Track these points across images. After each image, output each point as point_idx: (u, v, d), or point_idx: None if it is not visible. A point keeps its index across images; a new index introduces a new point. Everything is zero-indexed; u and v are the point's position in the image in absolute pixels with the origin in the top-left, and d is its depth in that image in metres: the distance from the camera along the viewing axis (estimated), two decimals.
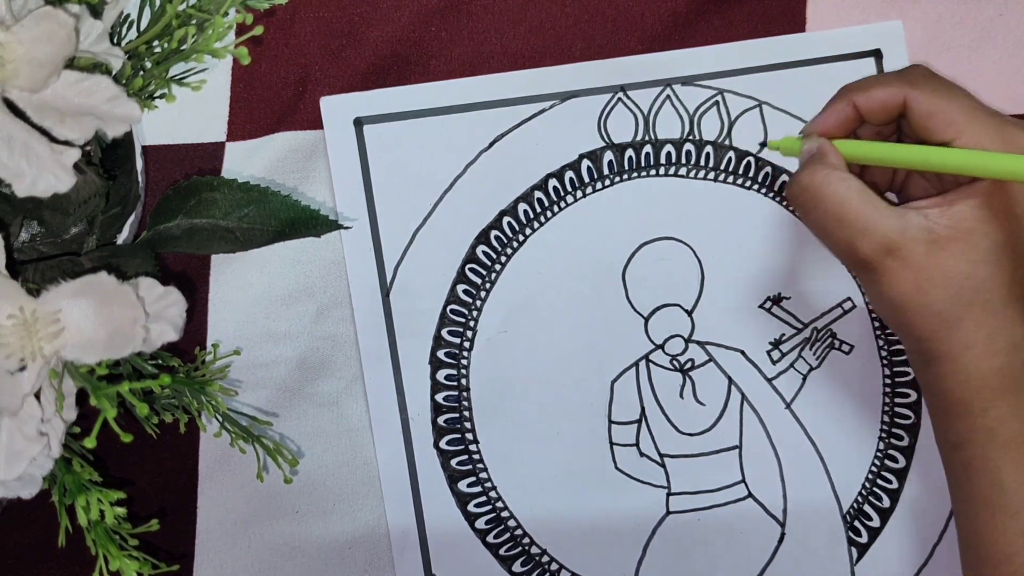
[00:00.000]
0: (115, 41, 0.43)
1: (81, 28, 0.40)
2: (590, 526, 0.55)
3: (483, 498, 0.55)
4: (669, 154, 0.57)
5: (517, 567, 0.55)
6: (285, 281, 0.56)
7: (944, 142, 0.46)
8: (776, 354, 0.57)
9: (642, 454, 0.56)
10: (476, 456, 0.55)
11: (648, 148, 0.58)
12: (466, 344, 0.56)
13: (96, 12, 0.41)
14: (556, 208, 0.57)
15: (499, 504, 0.55)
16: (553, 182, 0.57)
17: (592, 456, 0.56)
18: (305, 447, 0.55)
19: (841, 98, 0.49)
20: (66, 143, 0.38)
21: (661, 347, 0.56)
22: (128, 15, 0.45)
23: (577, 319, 0.56)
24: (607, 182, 0.57)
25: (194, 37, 0.42)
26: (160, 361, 0.49)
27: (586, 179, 0.57)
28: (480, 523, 0.55)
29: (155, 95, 0.44)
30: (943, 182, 0.48)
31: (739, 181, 0.57)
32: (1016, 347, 0.45)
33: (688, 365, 0.56)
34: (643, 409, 0.56)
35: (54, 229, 0.46)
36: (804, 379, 0.57)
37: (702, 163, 0.57)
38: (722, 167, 0.57)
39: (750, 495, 0.56)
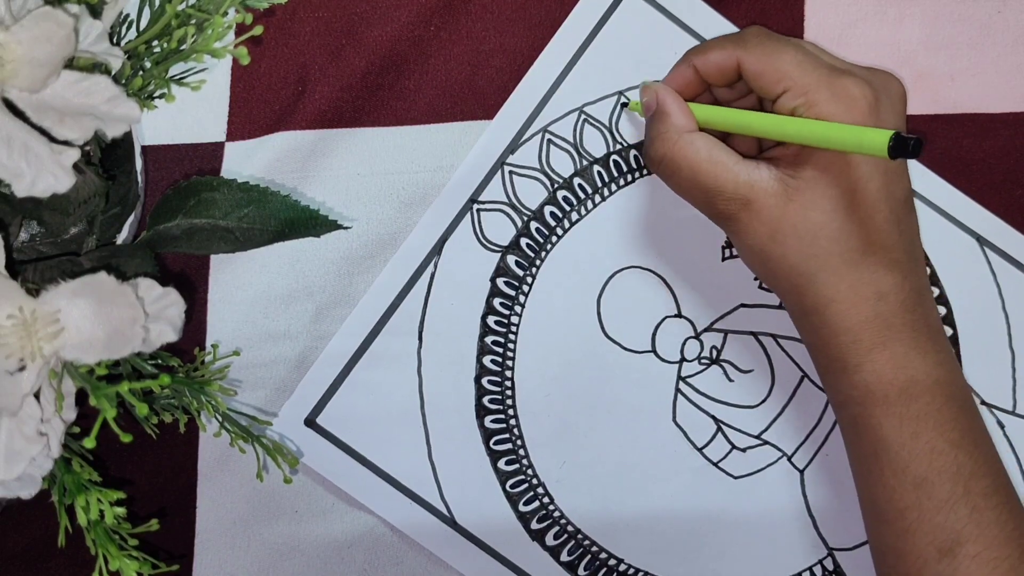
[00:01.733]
0: (114, 41, 0.43)
1: (80, 28, 0.40)
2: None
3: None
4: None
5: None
6: (284, 281, 0.56)
7: (777, 96, 0.47)
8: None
9: (745, 449, 0.56)
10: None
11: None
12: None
13: (95, 12, 0.41)
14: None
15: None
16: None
17: (711, 483, 0.56)
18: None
19: (683, 61, 0.52)
20: (65, 143, 0.38)
21: (683, 361, 0.56)
22: (127, 15, 0.45)
23: (603, 389, 0.56)
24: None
25: (193, 37, 0.42)
26: (159, 361, 0.49)
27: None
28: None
29: (155, 95, 0.44)
30: None
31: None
32: (882, 296, 0.46)
33: (714, 354, 0.56)
34: (715, 418, 0.56)
35: (53, 229, 0.46)
36: None
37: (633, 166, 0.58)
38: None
39: None
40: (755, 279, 0.57)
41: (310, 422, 0.55)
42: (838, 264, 0.46)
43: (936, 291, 0.57)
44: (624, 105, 0.57)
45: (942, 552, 0.44)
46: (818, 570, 0.55)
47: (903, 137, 0.40)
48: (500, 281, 0.56)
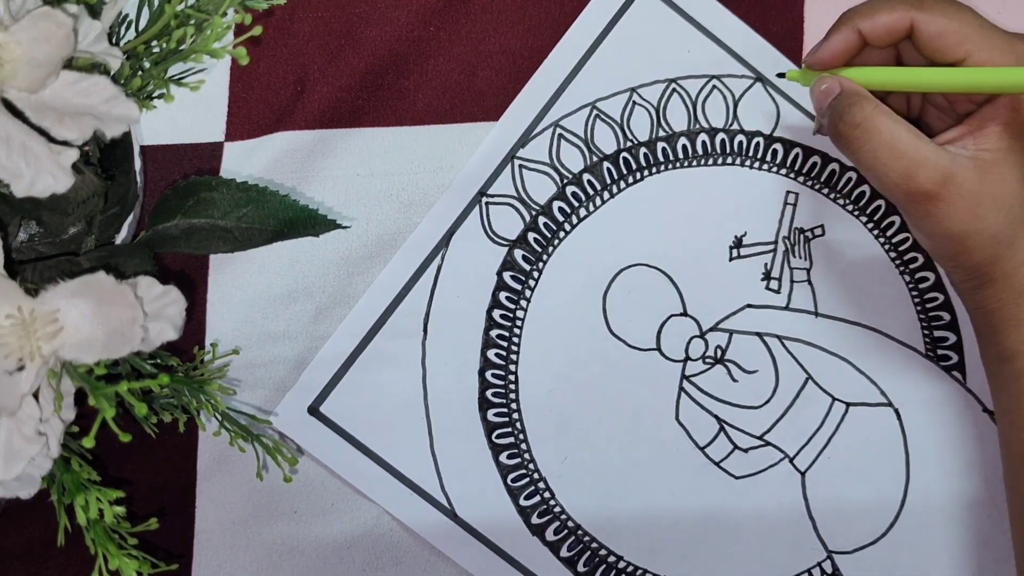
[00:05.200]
0: (114, 41, 0.42)
1: (79, 28, 0.40)
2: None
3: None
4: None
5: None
6: (283, 281, 0.56)
7: (955, 61, 0.46)
8: (773, 283, 0.57)
9: (747, 450, 0.56)
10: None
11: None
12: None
13: (95, 12, 0.41)
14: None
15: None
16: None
17: (712, 483, 0.56)
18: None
19: (845, 23, 0.50)
20: (64, 143, 0.38)
21: (688, 360, 0.56)
22: (127, 15, 0.45)
23: (607, 386, 0.56)
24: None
25: (193, 37, 0.42)
26: (159, 360, 0.49)
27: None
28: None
29: (154, 95, 0.44)
30: (957, 110, 0.49)
31: (674, 166, 0.58)
32: None
33: (719, 354, 0.56)
34: (718, 417, 0.56)
35: (52, 229, 0.46)
36: (811, 283, 0.57)
37: (633, 166, 0.57)
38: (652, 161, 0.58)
39: None
40: (762, 279, 0.56)
41: (313, 410, 0.55)
42: None
43: (940, 297, 0.57)
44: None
45: None
46: (816, 572, 0.55)
47: None
48: (506, 275, 0.56)
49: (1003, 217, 0.46)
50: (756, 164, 0.57)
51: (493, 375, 0.56)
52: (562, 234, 0.57)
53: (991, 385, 0.49)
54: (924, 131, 0.48)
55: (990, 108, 0.47)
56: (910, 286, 0.57)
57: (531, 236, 0.56)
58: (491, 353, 0.56)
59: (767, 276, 0.57)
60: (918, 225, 0.48)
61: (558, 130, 0.57)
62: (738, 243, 0.57)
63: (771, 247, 0.57)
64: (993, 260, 0.47)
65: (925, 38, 0.47)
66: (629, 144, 0.57)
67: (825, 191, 0.57)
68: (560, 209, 0.57)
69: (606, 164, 0.57)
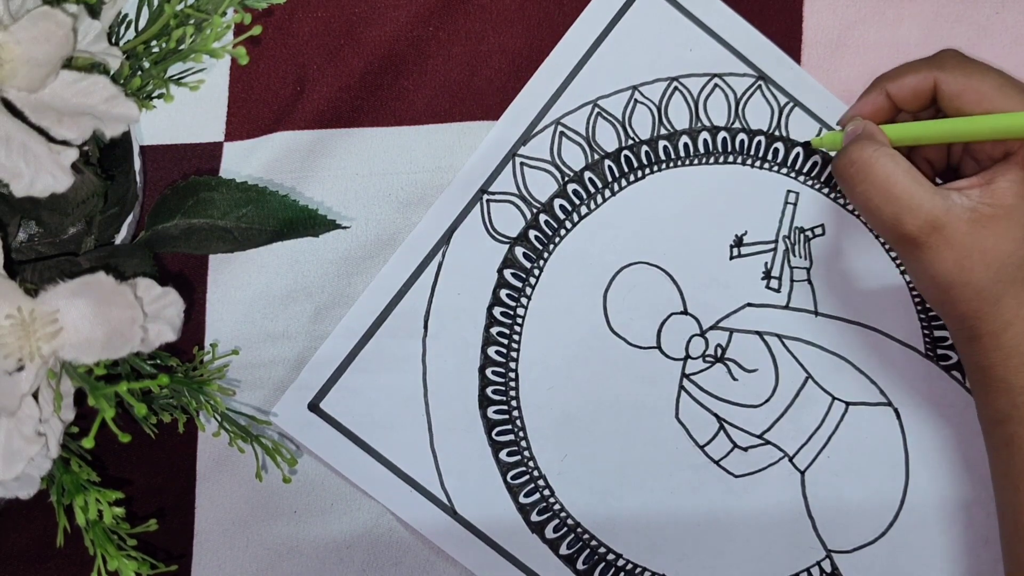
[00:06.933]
0: (113, 41, 0.42)
1: (79, 28, 0.40)
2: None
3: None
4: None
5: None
6: (283, 281, 0.56)
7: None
8: (774, 283, 0.57)
9: (747, 448, 0.56)
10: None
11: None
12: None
13: (94, 12, 0.41)
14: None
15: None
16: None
17: (712, 481, 0.56)
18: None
19: (874, 88, 0.51)
20: (64, 143, 0.38)
21: (688, 358, 0.56)
22: (126, 15, 0.45)
23: (607, 384, 0.56)
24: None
25: (192, 37, 0.42)
26: (158, 361, 0.49)
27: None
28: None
29: (153, 95, 0.44)
30: (983, 163, 0.49)
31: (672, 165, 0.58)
32: None
33: (719, 352, 0.56)
34: (717, 416, 0.56)
35: (52, 229, 0.46)
36: (811, 282, 0.57)
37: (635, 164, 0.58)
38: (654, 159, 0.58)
39: None
40: (762, 278, 0.56)
41: (314, 407, 0.55)
42: (1021, 290, 0.46)
43: None
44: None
45: None
46: (816, 571, 0.55)
47: None
48: (507, 272, 0.56)
49: (991, 273, 0.46)
50: (757, 163, 0.57)
51: (493, 372, 0.56)
52: (563, 232, 0.57)
53: (986, 445, 0.49)
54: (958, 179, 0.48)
55: (1003, 164, 0.47)
56: (910, 286, 0.57)
57: (532, 234, 0.56)
58: (491, 350, 0.56)
59: (767, 275, 0.57)
60: (906, 267, 0.49)
61: (559, 128, 0.57)
62: (739, 242, 0.57)
63: (771, 246, 0.57)
64: (978, 315, 0.46)
65: (946, 97, 0.48)
66: (631, 142, 0.57)
67: (825, 191, 0.57)
68: (561, 207, 0.57)
69: (607, 162, 0.57)
